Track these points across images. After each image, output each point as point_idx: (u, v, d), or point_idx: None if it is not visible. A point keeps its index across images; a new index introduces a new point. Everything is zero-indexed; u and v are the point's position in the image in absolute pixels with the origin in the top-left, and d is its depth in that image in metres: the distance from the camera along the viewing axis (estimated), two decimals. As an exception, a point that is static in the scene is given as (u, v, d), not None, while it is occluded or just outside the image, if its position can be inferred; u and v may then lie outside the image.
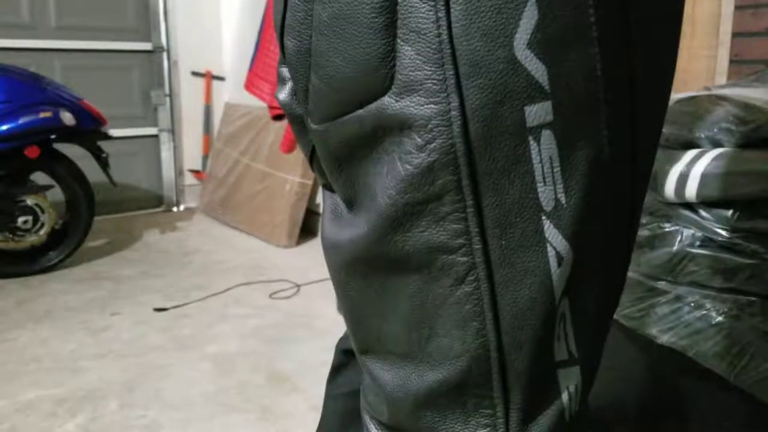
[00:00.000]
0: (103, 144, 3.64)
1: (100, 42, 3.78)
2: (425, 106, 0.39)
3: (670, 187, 1.24)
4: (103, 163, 2.92)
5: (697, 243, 1.23)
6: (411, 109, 0.40)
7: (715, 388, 1.19)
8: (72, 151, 3.07)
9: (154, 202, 4.13)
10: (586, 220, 0.41)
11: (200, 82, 4.14)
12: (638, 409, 1.21)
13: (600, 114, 0.40)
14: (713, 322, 1.24)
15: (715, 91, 1.55)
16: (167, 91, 4.04)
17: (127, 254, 3.20)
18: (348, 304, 0.49)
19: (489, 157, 0.40)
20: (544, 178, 0.40)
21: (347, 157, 0.44)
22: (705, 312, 1.25)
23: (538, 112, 0.39)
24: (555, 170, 0.40)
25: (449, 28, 0.38)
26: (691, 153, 1.24)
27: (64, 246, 2.92)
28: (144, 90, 4.00)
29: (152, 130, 4.05)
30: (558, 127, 0.39)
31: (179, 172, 4.14)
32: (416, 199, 0.41)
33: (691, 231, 1.24)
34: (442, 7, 0.38)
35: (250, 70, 3.20)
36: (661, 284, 1.30)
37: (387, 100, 0.40)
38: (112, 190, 3.55)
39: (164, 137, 4.09)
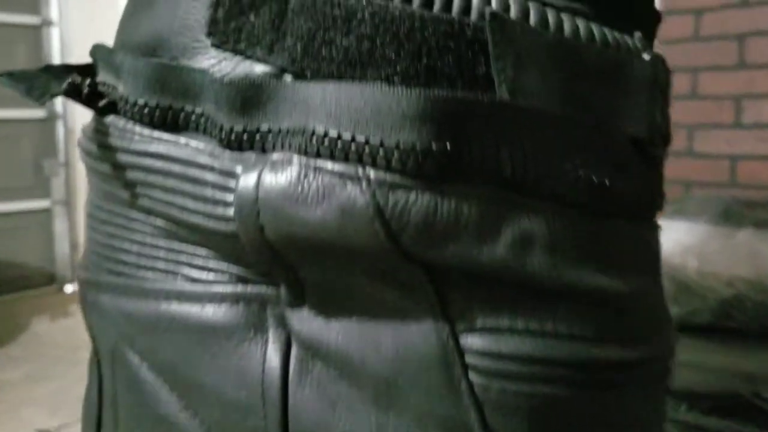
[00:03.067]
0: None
1: (-14, 109, 3.48)
2: None
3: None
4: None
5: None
6: None
7: None
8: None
9: (45, 281, 3.79)
10: None
11: (99, 150, 3.87)
12: None
13: None
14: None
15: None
16: (62, 160, 3.75)
17: (10, 351, 2.89)
18: None
19: None
20: None
21: None
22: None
23: None
24: None
25: None
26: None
27: (-66, 348, 2.60)
28: (36, 160, 3.69)
29: (44, 203, 3.74)
30: None
31: (74, 247, 3.84)
32: None
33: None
34: None
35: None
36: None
37: None
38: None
39: (58, 210, 3.78)
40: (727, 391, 1.15)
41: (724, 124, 1.75)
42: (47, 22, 3.69)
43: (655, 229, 0.36)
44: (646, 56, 0.33)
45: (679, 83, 1.78)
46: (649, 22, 0.36)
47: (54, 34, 3.71)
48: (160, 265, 0.35)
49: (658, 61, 0.33)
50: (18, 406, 2.37)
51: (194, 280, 0.34)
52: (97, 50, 0.40)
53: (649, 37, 0.36)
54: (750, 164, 1.76)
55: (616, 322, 0.32)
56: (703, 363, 1.15)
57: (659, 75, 0.33)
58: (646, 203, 0.34)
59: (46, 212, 3.77)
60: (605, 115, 0.31)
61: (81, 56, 0.44)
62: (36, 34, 3.69)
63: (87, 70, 0.40)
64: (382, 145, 0.28)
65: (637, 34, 0.33)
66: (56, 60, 3.66)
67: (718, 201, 1.61)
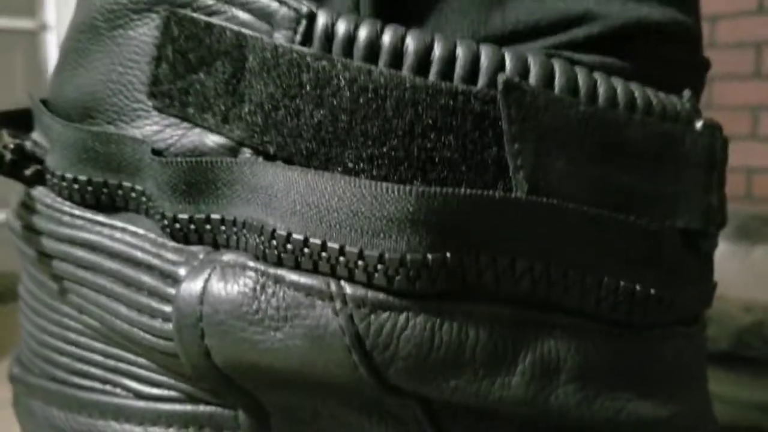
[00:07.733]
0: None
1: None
2: None
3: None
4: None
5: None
6: None
7: None
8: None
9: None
10: None
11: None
12: None
13: None
14: None
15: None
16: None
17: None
18: None
19: None
20: None
21: None
22: None
23: None
24: None
25: None
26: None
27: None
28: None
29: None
30: None
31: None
32: None
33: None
34: None
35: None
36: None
37: None
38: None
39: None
40: (744, 424, 1.10)
41: (739, 136, 1.68)
42: (43, 27, 3.64)
43: (703, 329, 0.29)
44: (698, 125, 0.26)
45: (692, 93, 1.71)
46: (698, 73, 0.30)
47: (51, 40, 3.65)
48: (97, 371, 0.29)
49: (714, 130, 0.26)
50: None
51: (137, 395, 0.28)
52: (31, 100, 0.33)
53: (698, 93, 0.29)
54: (766, 178, 1.69)
55: None
56: (718, 394, 1.08)
57: (715, 149, 0.26)
58: (699, 307, 0.28)
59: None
60: (651, 208, 0.24)
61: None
62: (32, 39, 3.64)
63: (19, 121, 0.33)
64: (361, 255, 0.22)
65: (686, 93, 0.27)
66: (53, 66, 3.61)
67: (733, 216, 1.55)
